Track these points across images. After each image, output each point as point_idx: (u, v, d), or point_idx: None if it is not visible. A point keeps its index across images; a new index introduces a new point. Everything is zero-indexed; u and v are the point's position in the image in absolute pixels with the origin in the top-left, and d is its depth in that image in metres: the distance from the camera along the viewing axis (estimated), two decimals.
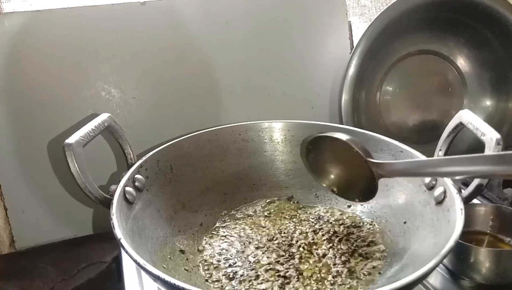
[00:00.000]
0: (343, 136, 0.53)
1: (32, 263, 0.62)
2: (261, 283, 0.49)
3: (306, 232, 0.57)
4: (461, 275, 0.53)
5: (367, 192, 0.53)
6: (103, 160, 0.69)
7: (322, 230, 0.57)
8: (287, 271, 0.50)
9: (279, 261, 0.52)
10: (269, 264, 0.51)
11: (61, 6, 0.65)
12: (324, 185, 0.58)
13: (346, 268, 0.51)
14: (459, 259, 0.52)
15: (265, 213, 0.62)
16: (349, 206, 0.62)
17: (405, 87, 0.81)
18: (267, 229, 0.58)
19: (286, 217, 0.61)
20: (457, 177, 0.47)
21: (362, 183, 0.53)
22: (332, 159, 0.57)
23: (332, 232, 0.57)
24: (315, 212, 0.61)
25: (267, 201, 0.64)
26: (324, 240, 0.55)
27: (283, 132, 0.66)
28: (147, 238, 0.50)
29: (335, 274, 0.50)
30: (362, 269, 0.51)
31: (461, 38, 0.80)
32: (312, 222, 0.59)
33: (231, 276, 0.50)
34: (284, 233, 0.57)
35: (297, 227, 0.58)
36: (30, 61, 0.64)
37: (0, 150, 0.64)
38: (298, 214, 0.61)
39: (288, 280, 0.49)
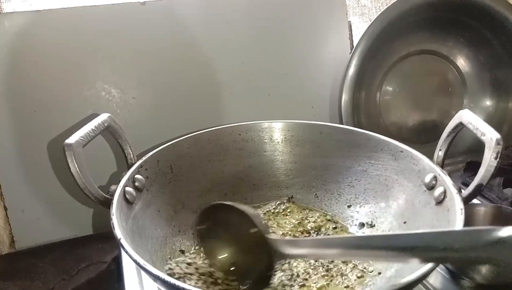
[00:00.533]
0: (243, 208, 0.46)
1: (32, 263, 0.62)
2: None
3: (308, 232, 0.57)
4: (461, 275, 0.53)
5: (261, 278, 0.44)
6: (103, 160, 0.68)
7: (319, 231, 0.57)
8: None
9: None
10: None
11: (61, 6, 0.65)
12: (212, 264, 0.49)
13: (344, 267, 0.51)
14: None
15: (265, 213, 0.62)
16: (349, 206, 0.62)
17: (405, 87, 0.81)
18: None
19: (286, 217, 0.61)
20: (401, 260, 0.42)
21: (257, 267, 0.44)
22: (225, 235, 0.47)
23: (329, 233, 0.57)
24: (314, 215, 0.61)
25: (267, 203, 0.64)
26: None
27: (283, 132, 0.66)
28: (147, 238, 0.50)
29: (333, 273, 0.50)
30: (360, 269, 0.51)
31: (461, 38, 0.80)
32: (311, 223, 0.59)
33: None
34: (283, 233, 0.57)
35: (297, 227, 0.58)
36: (30, 61, 0.64)
37: (0, 150, 0.64)
38: (297, 215, 0.61)
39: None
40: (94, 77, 0.67)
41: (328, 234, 0.57)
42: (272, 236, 0.43)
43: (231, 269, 0.47)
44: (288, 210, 0.62)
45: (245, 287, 0.46)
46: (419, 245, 0.32)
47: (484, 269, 0.51)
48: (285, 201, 0.64)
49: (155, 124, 0.71)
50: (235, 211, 0.46)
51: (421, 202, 0.53)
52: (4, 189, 0.65)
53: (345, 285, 0.49)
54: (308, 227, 0.58)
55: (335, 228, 0.59)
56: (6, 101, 0.64)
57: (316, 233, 0.57)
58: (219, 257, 0.48)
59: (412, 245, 0.32)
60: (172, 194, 0.58)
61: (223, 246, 0.48)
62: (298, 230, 0.58)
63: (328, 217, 0.61)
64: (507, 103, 0.82)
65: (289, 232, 0.57)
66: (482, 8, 0.74)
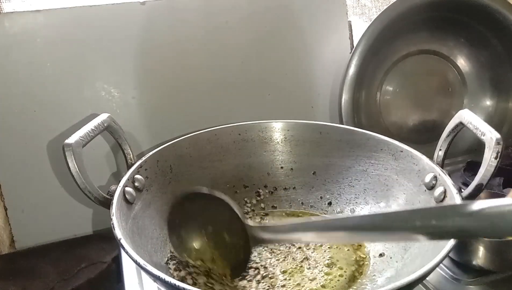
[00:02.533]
0: (217, 193, 0.45)
1: (32, 263, 0.62)
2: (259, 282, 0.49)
3: None
4: (465, 264, 0.55)
5: (239, 265, 0.45)
6: (103, 160, 0.68)
7: None
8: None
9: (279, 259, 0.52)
10: (270, 264, 0.51)
11: (61, 6, 0.65)
12: (187, 257, 0.48)
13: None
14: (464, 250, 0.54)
15: (265, 213, 0.62)
16: (349, 206, 0.62)
17: (405, 87, 0.81)
18: None
19: (286, 217, 0.61)
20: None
21: (233, 254, 0.45)
22: (201, 223, 0.47)
23: None
24: (313, 215, 0.61)
25: (267, 204, 0.64)
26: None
27: (283, 132, 0.66)
28: (147, 238, 0.50)
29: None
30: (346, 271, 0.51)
31: (461, 38, 0.80)
32: None
33: None
34: None
35: None
36: (30, 61, 0.64)
37: (0, 150, 0.64)
38: (297, 215, 0.61)
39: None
40: (94, 77, 0.67)
41: None
42: (250, 222, 0.43)
43: (208, 256, 0.47)
44: (288, 210, 0.62)
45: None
46: (394, 223, 0.34)
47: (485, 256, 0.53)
48: (285, 201, 0.64)
49: (155, 124, 0.71)
50: (211, 199, 0.45)
51: (421, 202, 0.53)
52: (4, 189, 0.65)
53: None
54: None
55: None
56: (6, 101, 0.64)
57: None
58: (195, 247, 0.47)
59: (382, 224, 0.35)
60: (172, 194, 0.58)
61: (199, 235, 0.47)
62: None
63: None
64: (507, 103, 0.82)
65: None
66: (482, 8, 0.74)
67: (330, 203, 0.63)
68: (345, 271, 0.51)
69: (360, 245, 0.55)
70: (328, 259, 0.53)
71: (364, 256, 0.54)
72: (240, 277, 0.48)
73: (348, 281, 0.50)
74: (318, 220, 0.43)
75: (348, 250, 0.54)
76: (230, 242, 0.45)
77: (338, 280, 0.50)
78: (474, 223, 0.30)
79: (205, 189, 0.46)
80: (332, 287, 0.49)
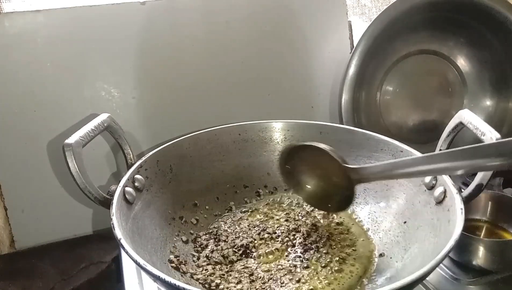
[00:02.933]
0: (320, 145, 0.52)
1: (32, 263, 0.62)
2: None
3: (306, 233, 0.57)
4: (465, 264, 0.55)
5: (344, 200, 0.52)
6: (103, 160, 0.69)
7: (317, 232, 0.57)
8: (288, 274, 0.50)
9: (280, 263, 0.52)
10: (268, 271, 0.51)
11: (61, 6, 0.65)
12: (301, 197, 0.58)
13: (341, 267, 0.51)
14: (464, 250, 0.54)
15: (265, 214, 0.62)
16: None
17: (405, 87, 0.81)
18: (269, 229, 0.58)
19: (286, 217, 0.61)
20: (459, 172, 0.47)
21: (339, 192, 0.52)
22: (308, 169, 0.55)
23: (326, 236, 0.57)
24: (311, 217, 0.61)
25: (267, 203, 0.64)
26: (317, 242, 0.55)
27: (283, 132, 0.66)
28: (147, 238, 0.50)
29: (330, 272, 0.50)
30: (358, 268, 0.51)
31: (461, 38, 0.80)
32: (309, 225, 0.59)
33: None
34: (284, 235, 0.57)
35: (298, 229, 0.58)
36: (30, 61, 0.64)
37: (0, 150, 0.64)
38: (296, 216, 0.61)
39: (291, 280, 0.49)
40: (94, 77, 0.67)
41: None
42: (349, 165, 0.49)
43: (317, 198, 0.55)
44: (288, 210, 0.62)
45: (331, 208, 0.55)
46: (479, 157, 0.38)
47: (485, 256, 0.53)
48: (284, 201, 0.64)
49: (155, 124, 0.71)
50: (313, 149, 0.52)
51: (421, 202, 0.53)
52: (4, 189, 0.65)
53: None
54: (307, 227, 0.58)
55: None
56: (6, 101, 0.64)
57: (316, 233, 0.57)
58: (306, 188, 0.56)
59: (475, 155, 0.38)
60: (172, 194, 0.58)
61: (307, 180, 0.55)
62: (298, 230, 0.58)
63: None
64: (507, 103, 0.82)
65: (289, 232, 0.57)
66: (482, 8, 0.74)
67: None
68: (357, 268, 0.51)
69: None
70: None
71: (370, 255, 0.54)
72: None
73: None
74: (409, 159, 0.47)
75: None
76: (334, 182, 0.52)
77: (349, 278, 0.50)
78: None
79: (308, 142, 0.53)
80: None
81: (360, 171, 0.49)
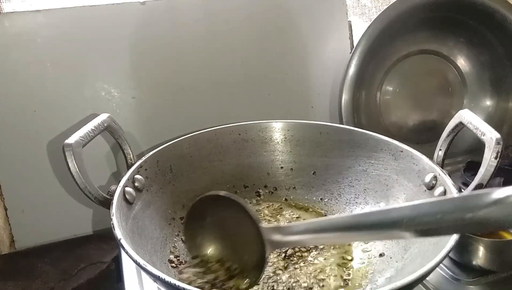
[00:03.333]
0: (233, 196, 0.44)
1: (32, 263, 0.62)
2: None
3: None
4: (465, 264, 0.55)
5: (254, 269, 0.43)
6: (103, 160, 0.69)
7: None
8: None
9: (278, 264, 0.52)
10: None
11: (61, 6, 0.65)
12: (198, 259, 0.47)
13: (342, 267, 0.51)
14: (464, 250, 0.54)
15: (264, 214, 0.62)
16: (349, 206, 0.62)
17: (405, 87, 0.81)
18: None
19: (286, 217, 0.61)
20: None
21: (249, 258, 0.43)
22: (217, 227, 0.46)
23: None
24: (313, 215, 0.61)
25: (267, 205, 0.64)
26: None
27: (283, 132, 0.66)
28: (147, 238, 0.50)
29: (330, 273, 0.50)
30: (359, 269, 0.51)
31: (461, 38, 0.80)
32: None
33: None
34: None
35: None
36: (30, 61, 0.64)
37: (0, 150, 0.64)
38: (296, 215, 0.61)
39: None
40: (94, 77, 0.67)
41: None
42: (265, 225, 0.41)
43: (223, 261, 0.45)
44: (288, 210, 0.62)
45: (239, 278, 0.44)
46: (415, 215, 0.31)
47: (485, 256, 0.53)
48: (284, 201, 0.64)
49: (155, 124, 0.71)
50: (226, 202, 0.44)
51: None
52: (4, 189, 0.65)
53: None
54: None
55: None
56: (6, 101, 0.64)
57: None
58: (209, 250, 0.46)
59: (409, 216, 0.31)
60: (172, 194, 0.58)
61: (214, 238, 0.46)
62: None
63: None
64: (507, 103, 0.82)
65: None
66: (482, 8, 0.74)
67: (330, 203, 0.63)
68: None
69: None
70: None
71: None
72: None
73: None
74: (335, 217, 0.40)
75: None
76: (245, 245, 0.43)
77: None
78: (499, 213, 0.27)
79: (222, 193, 0.44)
80: None
81: (278, 232, 0.40)
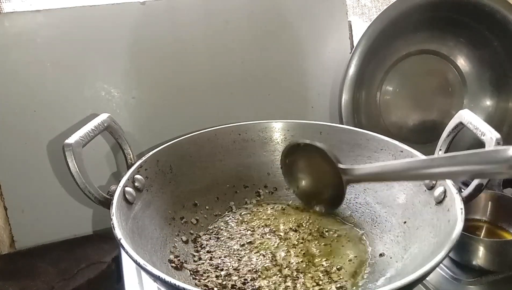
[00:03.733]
0: (317, 143, 0.53)
1: (32, 263, 0.62)
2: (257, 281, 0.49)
3: (307, 236, 0.57)
4: (465, 264, 0.55)
5: (334, 200, 0.53)
6: (103, 160, 0.69)
7: (317, 232, 0.57)
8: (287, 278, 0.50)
9: (277, 265, 0.52)
10: (266, 270, 0.51)
11: (61, 6, 0.65)
12: (295, 192, 0.59)
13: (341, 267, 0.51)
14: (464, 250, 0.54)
15: (266, 214, 0.62)
16: (349, 206, 0.62)
17: (405, 87, 0.81)
18: (268, 230, 0.58)
19: (287, 218, 0.61)
20: (455, 178, 0.47)
21: (330, 191, 0.53)
22: (305, 166, 0.57)
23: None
24: (313, 215, 0.61)
25: (268, 204, 0.64)
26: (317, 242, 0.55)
27: (283, 132, 0.66)
28: (147, 238, 0.50)
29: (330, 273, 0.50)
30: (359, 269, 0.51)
31: (461, 38, 0.80)
32: (309, 226, 0.59)
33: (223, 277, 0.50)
34: (286, 235, 0.57)
35: (297, 229, 0.58)
36: (30, 61, 0.64)
37: (0, 150, 0.64)
38: (296, 216, 0.61)
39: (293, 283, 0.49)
40: (94, 77, 0.67)
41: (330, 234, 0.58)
42: (342, 165, 0.50)
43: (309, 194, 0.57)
44: (288, 210, 0.62)
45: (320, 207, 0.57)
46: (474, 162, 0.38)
47: (485, 256, 0.54)
48: (284, 201, 0.64)
49: (155, 124, 0.71)
50: (312, 147, 0.53)
51: (421, 201, 0.53)
52: (4, 189, 0.65)
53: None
54: (307, 227, 0.58)
55: None
56: (6, 101, 0.64)
57: (316, 232, 0.57)
58: (300, 185, 0.58)
59: (469, 162, 0.38)
60: (172, 194, 0.58)
61: (304, 176, 0.57)
62: (297, 230, 0.58)
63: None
64: (507, 103, 0.82)
65: (287, 232, 0.57)
66: (482, 8, 0.74)
67: None
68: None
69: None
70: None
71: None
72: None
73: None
74: (403, 161, 0.47)
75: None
76: (327, 181, 0.52)
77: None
78: None
79: (307, 141, 0.54)
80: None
81: (351, 171, 0.49)
